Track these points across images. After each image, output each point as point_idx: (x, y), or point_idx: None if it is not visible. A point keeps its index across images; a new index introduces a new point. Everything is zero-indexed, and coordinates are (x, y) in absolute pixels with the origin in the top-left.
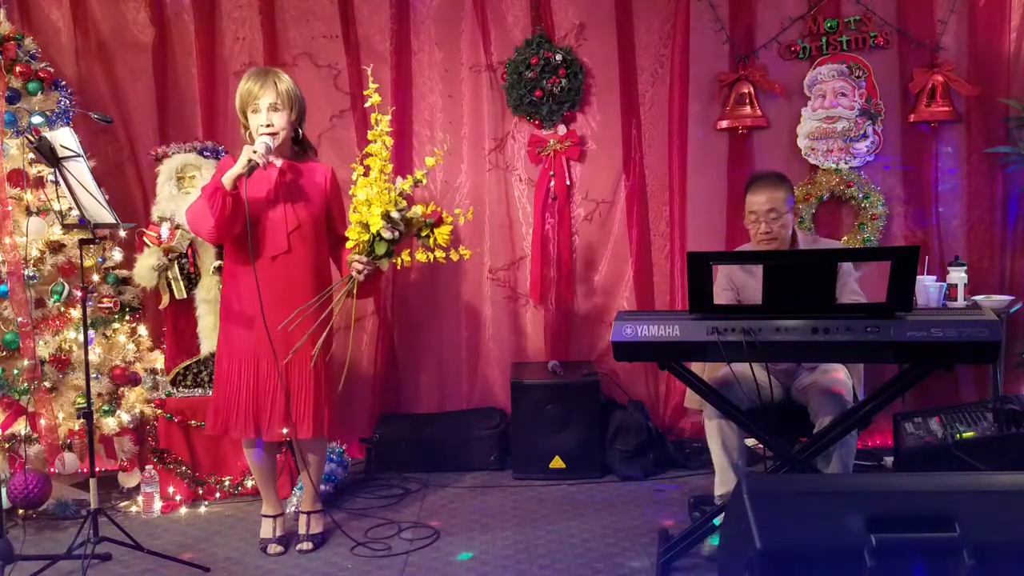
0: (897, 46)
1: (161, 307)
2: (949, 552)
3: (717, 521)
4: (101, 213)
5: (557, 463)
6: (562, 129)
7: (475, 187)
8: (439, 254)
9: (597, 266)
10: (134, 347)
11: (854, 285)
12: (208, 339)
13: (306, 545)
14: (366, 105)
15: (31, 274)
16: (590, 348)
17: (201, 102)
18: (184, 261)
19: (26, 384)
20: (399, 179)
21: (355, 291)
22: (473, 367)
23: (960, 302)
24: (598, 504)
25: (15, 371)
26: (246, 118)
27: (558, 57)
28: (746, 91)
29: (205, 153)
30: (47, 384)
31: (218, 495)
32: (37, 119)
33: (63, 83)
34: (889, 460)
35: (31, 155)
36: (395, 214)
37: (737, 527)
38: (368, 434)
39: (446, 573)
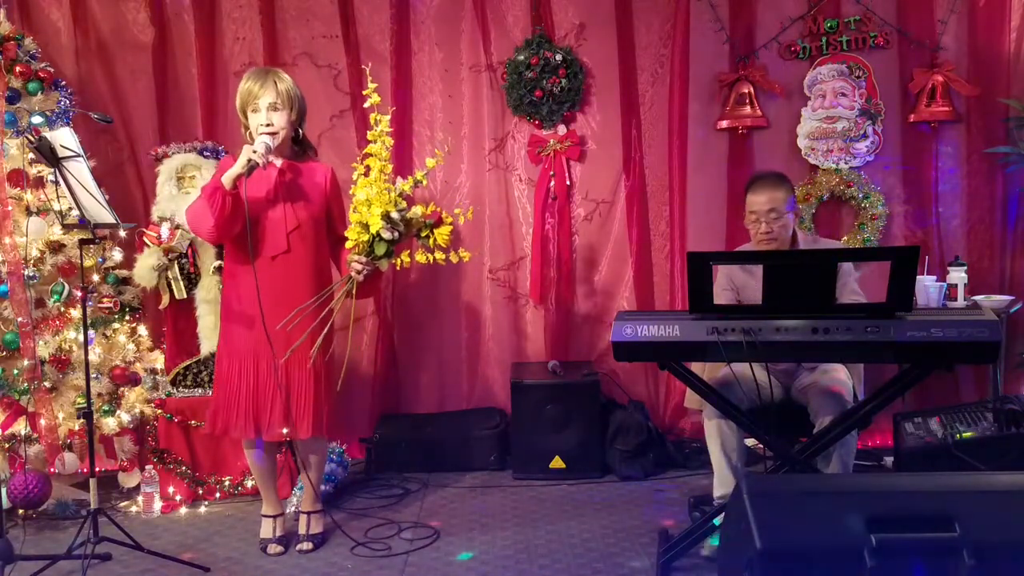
0: (897, 46)
1: (161, 307)
2: (949, 552)
3: (717, 521)
4: (101, 213)
5: (557, 463)
6: (562, 129)
7: (475, 187)
8: (439, 256)
9: (597, 266)
10: (134, 347)
11: (854, 285)
12: (208, 339)
13: (306, 545)
14: (365, 105)
15: (31, 274)
16: (590, 348)
17: (201, 102)
18: (184, 261)
19: (26, 384)
20: (399, 179)
21: (354, 291)
22: (473, 367)
23: (960, 302)
24: (598, 504)
25: (15, 371)
26: (246, 118)
27: (558, 57)
28: (746, 91)
29: (205, 153)
30: (47, 384)
31: (218, 495)
32: (37, 119)
33: (63, 83)
34: (889, 460)
35: (31, 155)
36: (395, 214)
37: (737, 527)
38: (368, 434)
39: (446, 573)
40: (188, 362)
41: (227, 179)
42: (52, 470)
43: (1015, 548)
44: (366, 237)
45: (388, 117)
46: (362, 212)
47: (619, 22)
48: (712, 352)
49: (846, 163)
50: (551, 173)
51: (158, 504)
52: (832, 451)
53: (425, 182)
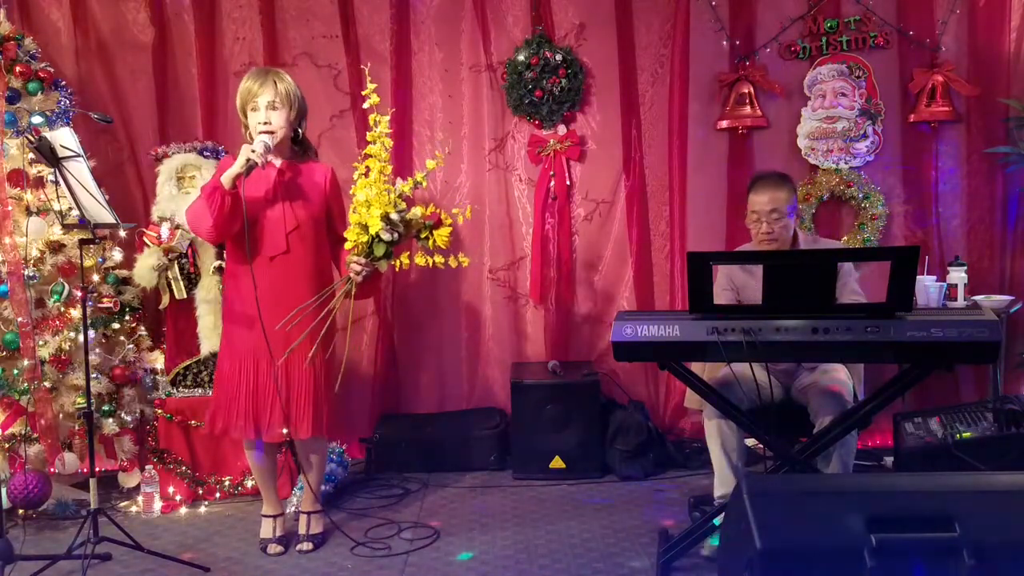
0: (897, 46)
1: (161, 307)
2: (949, 552)
3: (717, 521)
4: (101, 213)
5: (557, 463)
6: (562, 129)
7: (475, 187)
8: (438, 259)
9: (597, 266)
10: (134, 347)
11: (854, 285)
12: (208, 339)
13: (306, 545)
14: (365, 106)
15: (31, 274)
16: (590, 348)
17: (201, 102)
18: (184, 261)
19: (26, 384)
20: (399, 180)
21: (353, 292)
22: (473, 367)
23: (960, 302)
24: (598, 504)
25: (15, 371)
26: (246, 117)
27: (558, 57)
28: (746, 91)
29: (205, 153)
30: (47, 384)
31: (218, 495)
32: (37, 119)
33: (63, 83)
34: (889, 460)
35: (31, 155)
36: (394, 216)
37: (737, 527)
38: (368, 434)
39: (446, 573)
40: (188, 362)
41: (226, 179)
42: (52, 470)
43: (1015, 548)
44: (365, 238)
45: (387, 118)
46: (361, 213)
47: (619, 22)
48: (712, 352)
49: (846, 163)
50: (551, 173)
51: (158, 504)
52: (832, 451)
53: (425, 184)
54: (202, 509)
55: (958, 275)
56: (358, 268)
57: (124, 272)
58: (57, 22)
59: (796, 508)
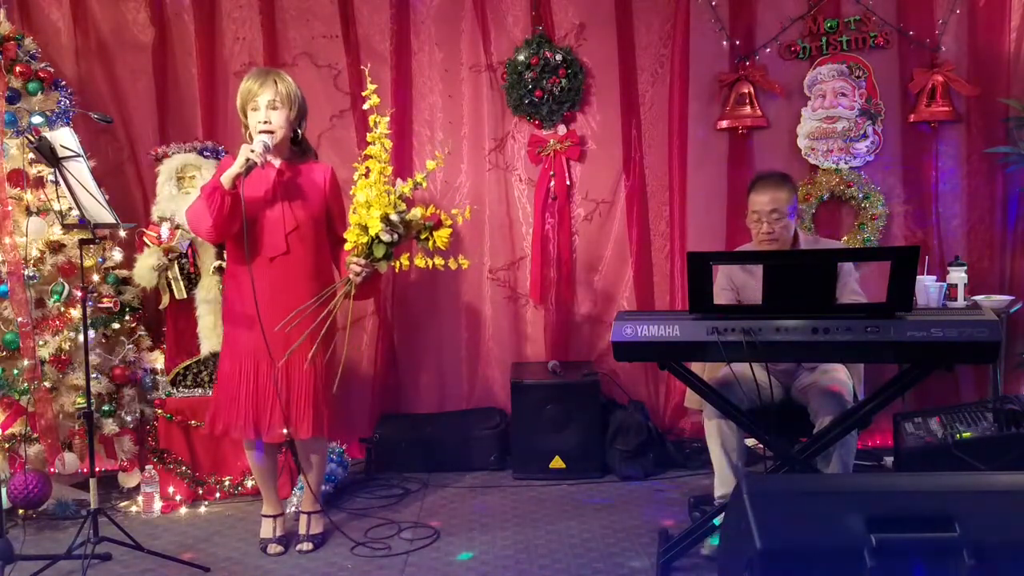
0: (897, 46)
1: (161, 307)
2: (949, 552)
3: (717, 521)
4: (101, 213)
5: (557, 463)
6: (562, 129)
7: (475, 187)
8: (438, 261)
9: (597, 266)
10: (134, 347)
11: (855, 285)
12: (208, 339)
13: (306, 545)
14: (365, 107)
15: (31, 274)
16: (590, 348)
17: (201, 102)
18: (184, 261)
19: (26, 384)
20: (399, 181)
21: (353, 293)
22: (473, 367)
23: (960, 302)
24: (598, 504)
25: (15, 371)
26: (246, 117)
27: (558, 57)
28: (746, 91)
29: (205, 153)
30: (47, 384)
31: (218, 495)
32: (37, 119)
33: (63, 83)
34: (889, 460)
35: (31, 155)
36: (394, 217)
37: (737, 527)
38: (368, 434)
39: (446, 573)
40: (188, 362)
41: (226, 179)
42: (52, 470)
43: (1015, 548)
44: (365, 239)
45: (387, 119)
46: (361, 214)
47: (619, 22)
48: (712, 352)
49: (846, 163)
50: (551, 173)
51: (158, 504)
52: (832, 451)
53: (425, 184)
54: (202, 509)
55: (958, 275)
56: (358, 269)
57: (124, 272)
58: (57, 22)
59: (796, 508)
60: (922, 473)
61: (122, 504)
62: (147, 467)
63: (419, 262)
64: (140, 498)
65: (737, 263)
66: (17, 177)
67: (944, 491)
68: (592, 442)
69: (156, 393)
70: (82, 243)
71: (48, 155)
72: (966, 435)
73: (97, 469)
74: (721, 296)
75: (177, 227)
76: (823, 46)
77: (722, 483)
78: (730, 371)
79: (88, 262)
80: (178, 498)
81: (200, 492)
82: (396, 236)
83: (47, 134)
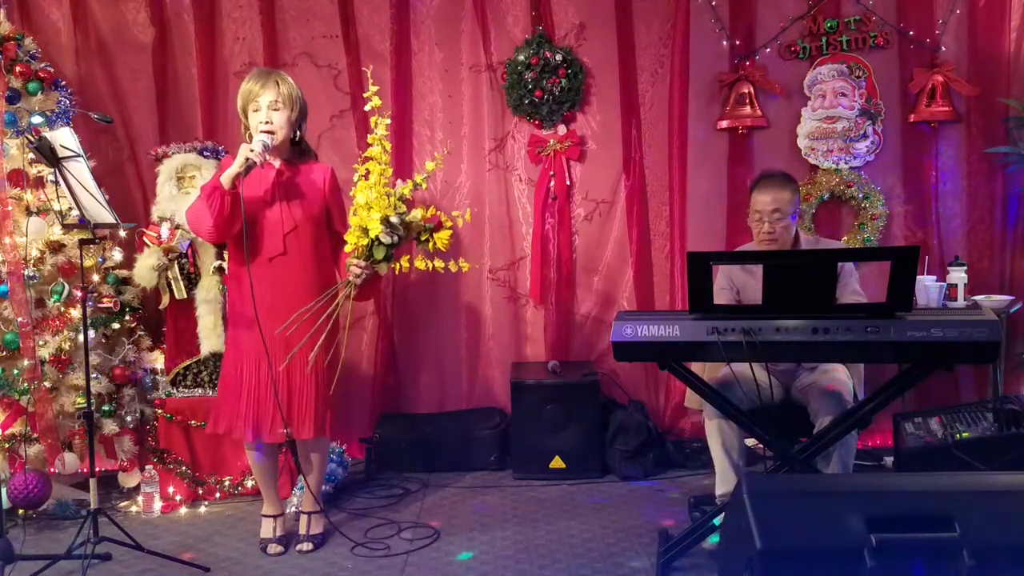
0: (897, 46)
1: (161, 307)
2: (949, 552)
3: (717, 521)
4: (101, 213)
5: (557, 463)
6: (562, 129)
7: (475, 187)
8: (438, 264)
9: (597, 266)
10: (134, 347)
11: (855, 285)
12: (208, 339)
13: (306, 545)
14: (366, 108)
15: (31, 274)
16: (590, 348)
17: (201, 102)
18: (184, 261)
19: (26, 384)
20: (399, 182)
21: (352, 294)
22: (473, 367)
23: (960, 302)
24: (598, 504)
25: (15, 371)
26: (247, 117)
27: (558, 57)
28: (746, 91)
29: (205, 153)
30: (47, 384)
31: (218, 495)
32: (37, 119)
33: (63, 83)
34: (889, 460)
35: (31, 155)
36: (394, 219)
37: (737, 527)
38: (368, 434)
39: (446, 573)
40: (188, 362)
41: (226, 179)
42: (52, 470)
43: (1015, 548)
44: (365, 241)
45: (387, 121)
46: (361, 216)
47: (619, 22)
48: (712, 352)
49: (846, 163)
50: (551, 173)
51: (158, 504)
52: (832, 451)
53: (425, 186)
54: (202, 509)
55: (958, 275)
56: (358, 271)
57: (124, 272)
58: (57, 22)
59: (796, 508)
60: (922, 473)
61: (122, 504)
62: (147, 467)
63: (419, 264)
64: (140, 498)
65: (737, 263)
66: (17, 177)
67: (944, 491)
68: (592, 442)
69: (156, 393)
70: (82, 243)
71: (48, 155)
72: (966, 435)
73: (97, 469)
74: (721, 296)
75: (177, 227)
76: (823, 46)
77: (723, 482)
78: (730, 371)
79: (88, 262)
80: (178, 498)
81: (200, 492)
82: (396, 238)
83: (47, 134)
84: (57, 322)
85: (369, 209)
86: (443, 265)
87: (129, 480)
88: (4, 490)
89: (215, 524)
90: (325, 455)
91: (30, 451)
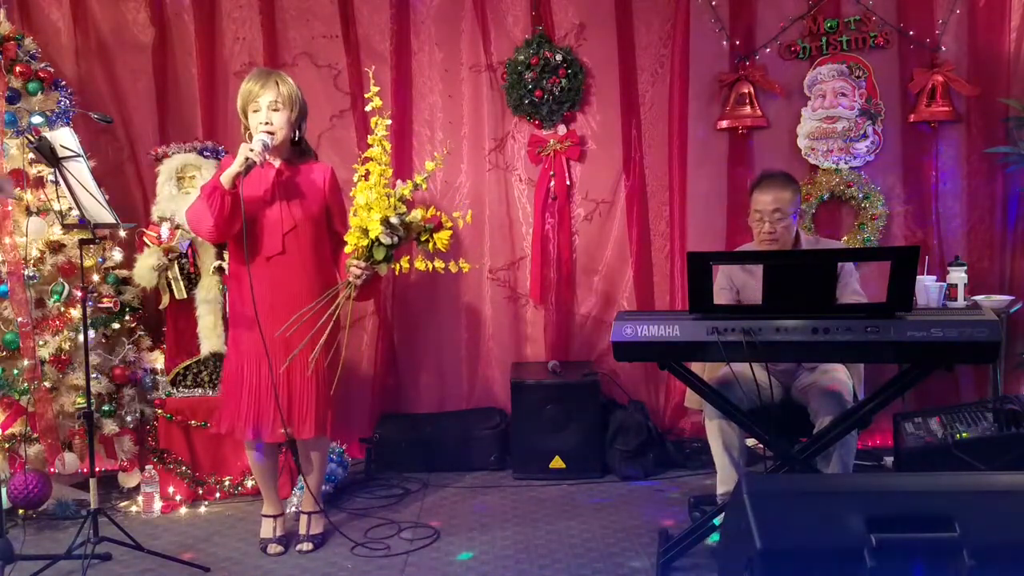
0: (897, 46)
1: (161, 307)
2: (949, 552)
3: (717, 521)
4: (101, 213)
5: (557, 463)
6: (562, 129)
7: (475, 187)
8: (439, 264)
9: (597, 266)
10: (134, 347)
11: (856, 285)
12: (208, 339)
13: (306, 545)
14: (367, 109)
15: (31, 274)
16: (590, 348)
17: (201, 102)
18: (184, 261)
19: (26, 384)
20: (399, 183)
21: (353, 295)
22: (473, 367)
23: (960, 302)
24: (598, 504)
25: (15, 371)
26: (247, 118)
27: (558, 57)
28: (746, 91)
29: (205, 153)
30: (47, 384)
31: (218, 495)
32: (37, 119)
33: (63, 83)
34: (889, 460)
35: (31, 155)
36: (394, 219)
37: (737, 527)
38: (368, 434)
39: (446, 573)
40: (188, 362)
41: (226, 178)
42: (52, 470)
43: (1015, 548)
44: (365, 242)
45: (387, 122)
46: (362, 217)
47: (619, 22)
48: (712, 352)
49: (846, 163)
50: (551, 173)
51: (158, 504)
52: (832, 451)
53: (425, 186)
54: (202, 509)
55: (958, 275)
56: (358, 272)
57: (124, 272)
58: (57, 22)
59: (796, 508)
60: (922, 473)
61: (122, 504)
62: (147, 467)
63: (419, 265)
64: (140, 498)
65: (737, 263)
66: (17, 177)
67: (944, 491)
68: (592, 442)
69: (156, 393)
70: (82, 243)
71: (48, 155)
72: (966, 435)
73: (97, 469)
74: (720, 296)
75: (177, 227)
76: (823, 46)
77: (724, 481)
78: (730, 371)
79: (88, 262)
80: (178, 498)
81: (200, 492)
82: (396, 239)
83: (47, 134)
84: (57, 322)
85: (369, 210)
86: (443, 266)
87: (129, 480)
88: (4, 490)
89: (215, 524)
90: (325, 455)
91: (30, 451)
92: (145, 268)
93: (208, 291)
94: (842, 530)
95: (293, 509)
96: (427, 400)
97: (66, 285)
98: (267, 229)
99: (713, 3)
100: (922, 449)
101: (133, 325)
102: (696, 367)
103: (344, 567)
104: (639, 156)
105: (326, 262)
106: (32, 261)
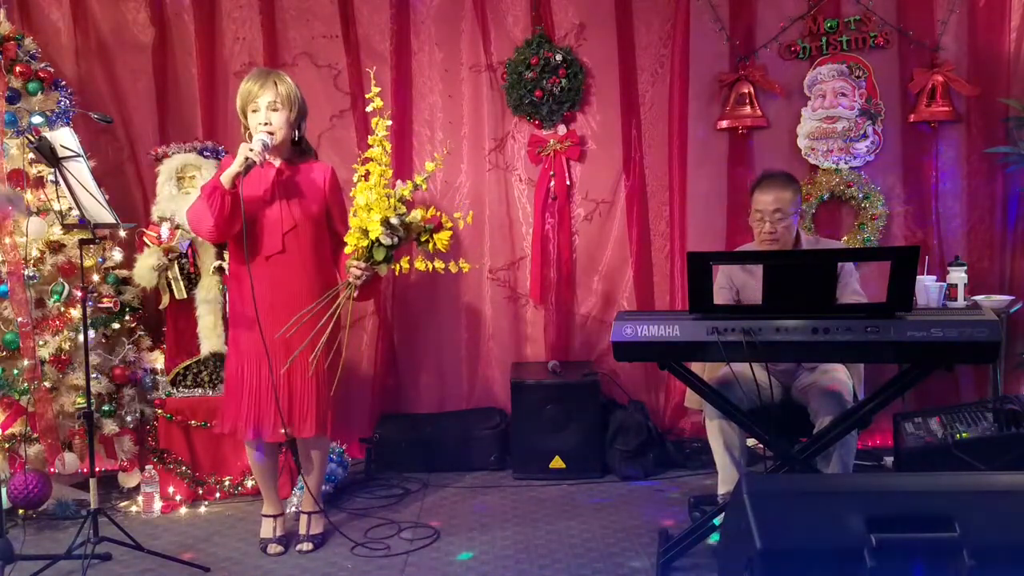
0: (897, 46)
1: (161, 307)
2: (949, 552)
3: (717, 521)
4: (101, 213)
5: (557, 463)
6: (562, 129)
7: (475, 187)
8: (439, 264)
9: (597, 266)
10: (134, 347)
11: (856, 285)
12: (208, 339)
13: (306, 545)
14: (368, 109)
15: (31, 274)
16: (590, 348)
17: (201, 102)
18: (184, 261)
19: (26, 384)
20: (399, 183)
21: (353, 295)
22: (473, 367)
23: (960, 302)
24: (598, 504)
25: (15, 371)
26: (246, 118)
27: (558, 57)
28: (746, 91)
29: (205, 153)
30: (47, 384)
31: (218, 495)
32: (37, 119)
33: (63, 83)
34: (889, 460)
35: (31, 155)
36: (394, 220)
37: (737, 527)
38: (368, 434)
39: (446, 573)
40: (188, 362)
41: (225, 178)
42: (52, 470)
43: (1015, 548)
44: (365, 243)
45: (388, 122)
46: (362, 217)
47: (619, 22)
48: (712, 352)
49: (846, 163)
50: (551, 173)
51: (158, 504)
52: (832, 451)
53: (425, 187)
54: (202, 509)
55: (958, 275)
56: (358, 272)
57: (124, 272)
58: (57, 22)
59: (796, 508)
60: (922, 473)
61: (122, 504)
62: (147, 467)
63: (419, 265)
64: (140, 498)
65: (737, 263)
66: (17, 177)
67: (944, 491)
68: (592, 442)
69: (156, 393)
70: (82, 243)
71: (48, 155)
72: (966, 435)
73: (97, 469)
74: (719, 294)
75: (177, 227)
76: (823, 46)
77: (725, 481)
78: (730, 371)
79: (88, 262)
80: (178, 498)
81: (200, 492)
82: (396, 239)
83: (47, 134)
84: (57, 322)
85: (369, 211)
86: (443, 266)
87: (129, 480)
88: (4, 490)
89: (215, 524)
90: (325, 454)
91: (30, 451)
92: (145, 268)
93: (208, 291)
94: (842, 530)
95: (293, 509)
96: (427, 400)
97: (66, 285)
98: (267, 228)
99: (713, 3)
100: (922, 449)
101: (133, 325)
102: (696, 367)
103: (344, 567)
104: (639, 156)
105: (326, 262)
106: (32, 261)
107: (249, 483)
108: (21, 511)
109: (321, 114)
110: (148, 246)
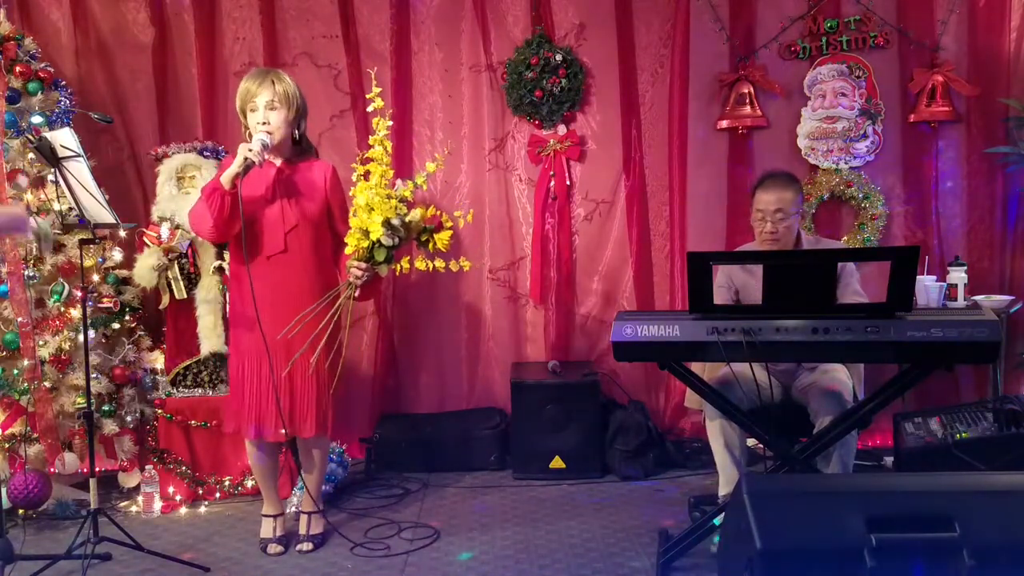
0: (897, 46)
1: (161, 307)
2: (949, 552)
3: (717, 521)
4: (101, 213)
5: (557, 463)
6: (562, 129)
7: (475, 187)
8: (439, 264)
9: (597, 266)
10: (134, 347)
11: (856, 286)
12: (208, 339)
13: (306, 545)
14: (368, 110)
15: (31, 274)
16: (590, 348)
17: (201, 102)
18: (184, 261)
19: (26, 384)
20: (399, 183)
21: (354, 295)
22: (473, 367)
23: (960, 302)
24: (598, 504)
25: (15, 371)
26: (246, 118)
27: (558, 57)
28: (746, 91)
29: (205, 153)
30: (47, 384)
31: (218, 495)
32: (37, 119)
33: (63, 83)
34: (889, 460)
35: (31, 155)
36: (395, 220)
37: (737, 527)
38: (368, 434)
39: (446, 573)
40: (188, 362)
41: (225, 179)
42: (52, 470)
43: (1015, 548)
44: (366, 243)
45: (388, 123)
46: (362, 218)
47: (619, 22)
48: (712, 352)
49: (846, 163)
50: (551, 173)
51: (158, 504)
52: (832, 451)
53: (425, 187)
54: (202, 509)
55: (958, 275)
56: (359, 273)
57: (124, 272)
58: (57, 22)
59: (796, 508)
60: (922, 473)
61: (122, 504)
62: (147, 467)
63: (420, 265)
64: (140, 498)
65: (737, 263)
66: (17, 177)
67: (944, 491)
68: (592, 442)
69: (156, 393)
70: (82, 243)
71: (48, 155)
72: (966, 435)
73: (97, 469)
74: (719, 294)
75: (177, 227)
76: (823, 46)
77: (727, 481)
78: (730, 371)
79: (88, 262)
80: (178, 498)
81: (200, 492)
82: (397, 240)
83: (47, 134)
84: (57, 322)
85: (370, 211)
86: (444, 265)
87: (129, 480)
88: (4, 490)
89: (215, 524)
90: (325, 454)
91: (30, 451)
92: (145, 268)
93: (208, 291)
94: (842, 530)
95: (293, 509)
96: (427, 400)
97: (66, 285)
98: (268, 228)
99: (713, 3)
100: (922, 449)
101: (133, 325)
102: (696, 367)
103: (344, 567)
104: (639, 156)
105: (327, 261)
106: (32, 261)
107: (249, 483)
108: (21, 511)
109: (321, 114)
110: (148, 246)
